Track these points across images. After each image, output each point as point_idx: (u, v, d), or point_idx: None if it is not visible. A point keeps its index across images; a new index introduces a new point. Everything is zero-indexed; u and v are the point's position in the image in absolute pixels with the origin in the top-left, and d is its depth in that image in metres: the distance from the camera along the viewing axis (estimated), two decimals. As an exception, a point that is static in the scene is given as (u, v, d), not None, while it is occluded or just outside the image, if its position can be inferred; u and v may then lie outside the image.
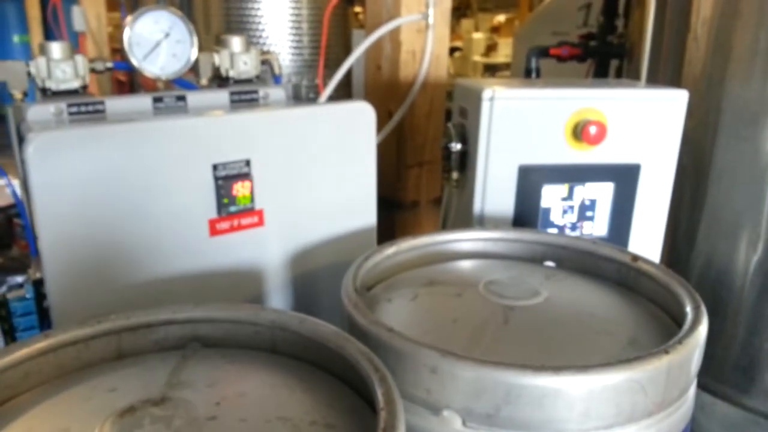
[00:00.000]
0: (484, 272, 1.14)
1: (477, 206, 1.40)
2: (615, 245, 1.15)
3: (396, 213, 2.04)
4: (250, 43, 1.38)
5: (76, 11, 2.93)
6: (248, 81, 1.34)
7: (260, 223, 1.15)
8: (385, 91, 1.97)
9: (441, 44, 1.94)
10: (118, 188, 1.01)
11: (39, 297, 1.09)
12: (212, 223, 1.10)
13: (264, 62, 1.38)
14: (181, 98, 1.24)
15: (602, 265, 1.14)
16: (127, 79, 3.42)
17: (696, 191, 1.58)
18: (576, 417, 0.78)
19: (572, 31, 2.47)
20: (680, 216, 1.62)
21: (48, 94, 1.16)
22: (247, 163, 1.11)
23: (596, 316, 1.01)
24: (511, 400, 0.78)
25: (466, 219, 1.44)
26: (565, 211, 1.40)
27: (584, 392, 0.78)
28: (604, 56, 2.12)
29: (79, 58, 1.17)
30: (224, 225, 1.11)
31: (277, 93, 1.35)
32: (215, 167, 1.08)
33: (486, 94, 1.33)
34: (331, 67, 1.94)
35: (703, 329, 0.90)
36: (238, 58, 1.31)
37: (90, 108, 1.15)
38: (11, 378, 0.80)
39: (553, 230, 1.41)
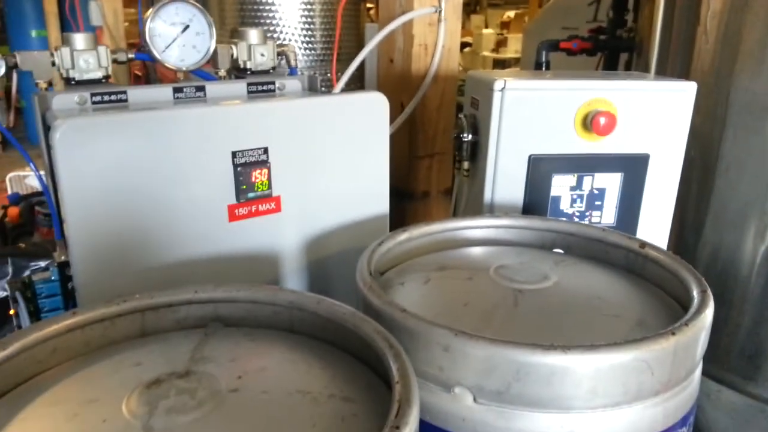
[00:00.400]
0: (494, 258, 1.17)
1: (487, 195, 1.43)
2: (623, 232, 1.17)
3: (407, 203, 2.07)
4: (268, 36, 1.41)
5: (93, 6, 2.97)
6: (265, 72, 1.37)
7: (277, 209, 1.18)
8: (397, 83, 2.00)
9: (452, 37, 1.97)
10: (141, 174, 1.05)
11: (64, 279, 1.13)
12: (231, 209, 1.13)
13: (280, 54, 1.41)
14: (201, 89, 1.27)
15: (610, 252, 1.17)
16: (143, 74, 3.47)
17: (704, 183, 1.60)
18: (584, 394, 0.81)
19: (582, 26, 2.48)
20: (688, 207, 1.64)
21: (72, 84, 1.20)
22: (265, 150, 1.14)
23: (604, 299, 1.04)
24: (520, 378, 0.81)
25: (476, 208, 1.47)
26: (574, 201, 1.43)
27: (592, 371, 0.80)
28: (614, 50, 2.14)
29: (102, 49, 1.21)
30: (243, 210, 1.14)
31: (293, 84, 1.38)
32: (234, 155, 1.11)
33: (497, 84, 1.36)
34: (343, 61, 1.97)
35: (709, 312, 0.92)
36: (255, 50, 1.34)
37: (113, 97, 1.19)
38: (40, 353, 0.84)
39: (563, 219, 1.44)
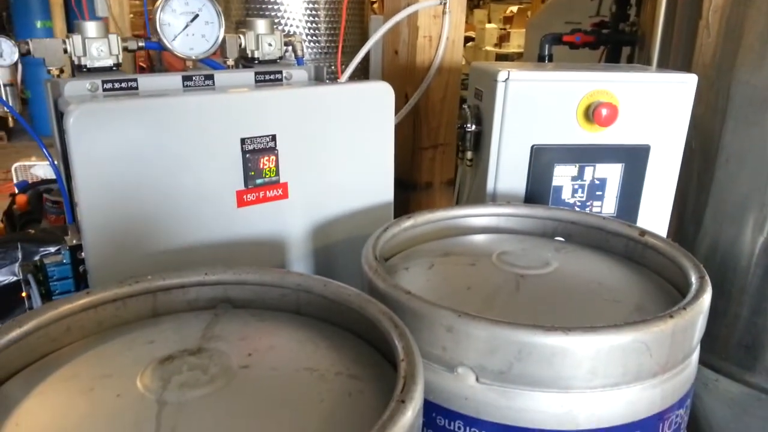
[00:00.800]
0: (497, 245, 1.19)
1: (490, 185, 1.45)
2: (623, 221, 1.20)
3: (410, 194, 2.09)
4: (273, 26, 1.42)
5: (98, -3, 2.98)
6: (272, 62, 1.39)
7: (284, 195, 1.21)
8: (401, 75, 2.01)
9: (457, 30, 1.98)
10: (152, 159, 1.07)
11: (75, 262, 1.15)
12: (240, 195, 1.15)
13: (287, 44, 1.43)
14: (209, 77, 1.29)
15: (611, 240, 1.19)
16: (148, 66, 3.48)
17: (704, 174, 1.62)
18: (584, 375, 0.84)
19: (585, 21, 2.50)
20: (687, 198, 1.66)
21: (83, 71, 1.22)
22: (273, 138, 1.17)
23: (604, 285, 1.06)
24: (522, 358, 0.83)
25: (479, 197, 1.49)
26: (575, 191, 1.45)
27: (592, 351, 0.83)
28: (616, 44, 2.16)
29: (113, 37, 1.22)
30: (251, 196, 1.17)
31: (300, 74, 1.40)
32: (243, 141, 1.14)
33: (501, 75, 1.38)
34: (348, 54, 1.99)
35: (707, 298, 0.94)
36: (263, 40, 1.36)
37: (124, 84, 1.21)
38: (54, 331, 0.86)
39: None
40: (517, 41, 7.05)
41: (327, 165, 1.26)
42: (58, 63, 1.21)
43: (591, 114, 1.40)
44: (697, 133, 1.59)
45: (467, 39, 7.24)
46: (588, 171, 1.45)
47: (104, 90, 1.20)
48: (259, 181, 1.17)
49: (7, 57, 1.15)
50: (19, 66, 1.23)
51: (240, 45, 1.36)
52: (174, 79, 1.26)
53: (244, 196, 1.16)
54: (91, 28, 1.21)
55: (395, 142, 1.34)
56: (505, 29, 7.87)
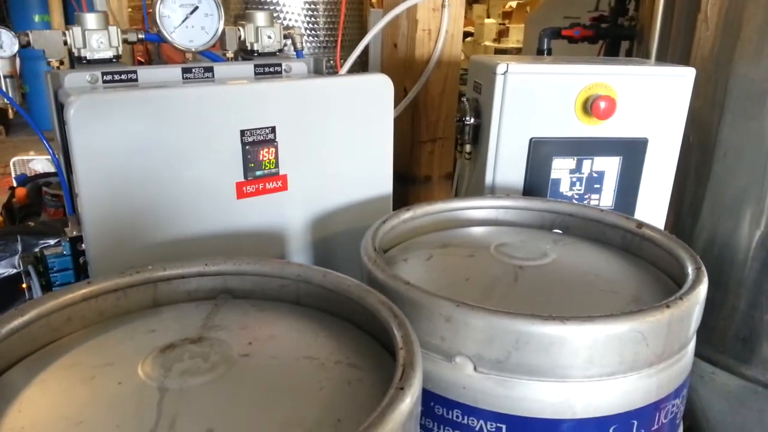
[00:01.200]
0: (495, 236, 1.20)
1: (489, 178, 1.46)
2: (621, 213, 1.20)
3: (409, 187, 2.10)
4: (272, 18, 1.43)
5: (97, -9, 2.98)
6: (272, 54, 1.39)
7: (284, 187, 1.21)
8: (400, 68, 2.02)
9: (456, 23, 1.99)
10: (152, 150, 1.07)
11: (75, 254, 1.16)
12: (239, 186, 1.16)
13: (286, 37, 1.44)
14: (209, 70, 1.30)
15: (608, 232, 1.20)
16: (146, 60, 3.48)
17: (701, 168, 1.63)
18: (581, 364, 0.84)
19: (584, 16, 2.50)
20: (685, 192, 1.66)
21: (83, 63, 1.22)
22: (273, 130, 1.17)
23: (601, 276, 1.07)
24: (520, 347, 0.84)
25: (478, 190, 1.50)
26: (573, 184, 1.46)
27: (589, 341, 0.84)
28: (615, 38, 2.16)
29: (113, 29, 1.23)
30: (250, 188, 1.17)
31: (299, 66, 1.40)
32: (243, 133, 1.14)
33: (500, 68, 1.38)
34: (346, 48, 1.99)
35: (703, 288, 0.95)
36: (262, 32, 1.37)
37: (123, 76, 1.21)
38: (56, 321, 0.87)
39: (562, 202, 1.47)
40: (516, 36, 7.05)
41: (326, 157, 1.26)
42: (58, 55, 1.21)
43: (589, 107, 1.40)
44: (695, 126, 1.59)
45: (466, 34, 7.23)
46: (586, 164, 1.45)
47: (104, 82, 1.20)
48: (258, 172, 1.17)
49: (7, 48, 1.15)
50: (17, 60, 1.23)
51: (239, 37, 1.36)
52: (174, 72, 1.27)
53: (244, 188, 1.17)
54: (91, 19, 1.22)
55: (394, 137, 1.35)
56: (504, 24, 7.87)
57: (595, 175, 1.46)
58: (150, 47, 3.33)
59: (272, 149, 1.17)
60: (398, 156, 1.54)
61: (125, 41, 1.26)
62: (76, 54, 1.22)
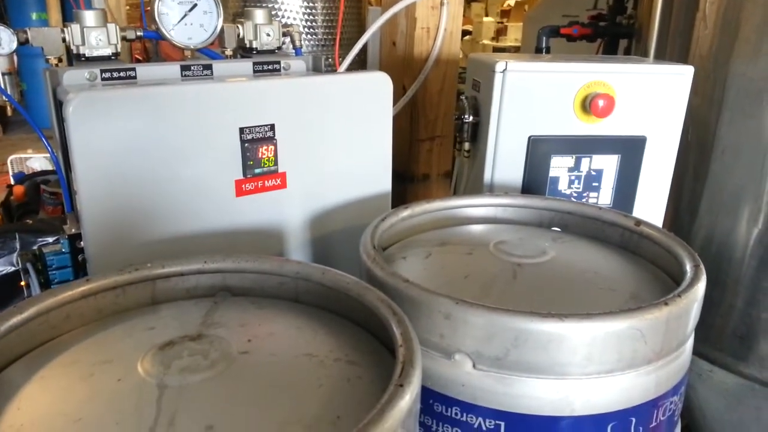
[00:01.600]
0: (494, 234, 1.20)
1: (487, 176, 1.46)
2: (619, 211, 1.20)
3: (408, 186, 2.10)
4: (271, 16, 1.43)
5: (94, -12, 2.97)
6: (271, 52, 1.39)
7: (283, 185, 1.21)
8: (399, 66, 2.02)
9: (454, 21, 1.99)
10: (150, 147, 1.07)
11: (74, 251, 1.16)
12: (238, 184, 1.16)
13: (285, 35, 1.44)
14: (208, 67, 1.30)
15: (607, 230, 1.20)
16: (144, 59, 3.48)
17: (699, 166, 1.63)
18: (579, 361, 0.85)
19: (582, 14, 2.50)
20: (683, 190, 1.67)
21: (81, 60, 1.22)
22: (272, 127, 1.17)
23: (600, 274, 1.07)
24: (519, 344, 0.84)
25: (477, 188, 1.50)
26: (572, 182, 1.46)
27: (588, 338, 0.84)
28: (614, 36, 2.16)
29: (111, 27, 1.23)
30: (249, 186, 1.17)
31: (298, 64, 1.40)
32: (242, 131, 1.14)
33: (499, 66, 1.38)
34: (345, 47, 1.99)
35: (701, 286, 0.95)
36: (261, 30, 1.37)
37: (122, 74, 1.21)
38: (54, 318, 0.87)
39: (561, 200, 1.47)
40: (514, 35, 7.05)
41: (325, 154, 1.26)
42: (57, 52, 1.21)
43: (588, 105, 1.41)
44: (694, 124, 1.59)
45: (464, 33, 7.23)
46: (585, 162, 1.46)
47: (103, 79, 1.20)
48: (257, 170, 1.17)
49: (5, 45, 1.15)
50: (15, 58, 1.23)
51: (238, 35, 1.36)
52: (172, 69, 1.27)
53: (243, 186, 1.17)
54: (89, 17, 1.21)
55: (393, 135, 1.35)
56: (502, 23, 7.87)
57: (593, 173, 1.47)
58: (148, 46, 3.33)
59: (271, 147, 1.17)
60: (397, 154, 1.54)
61: (124, 38, 1.26)
62: (74, 51, 1.21)
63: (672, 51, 1.76)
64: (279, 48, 1.42)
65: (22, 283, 1.20)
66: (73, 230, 1.14)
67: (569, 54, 2.13)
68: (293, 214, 1.25)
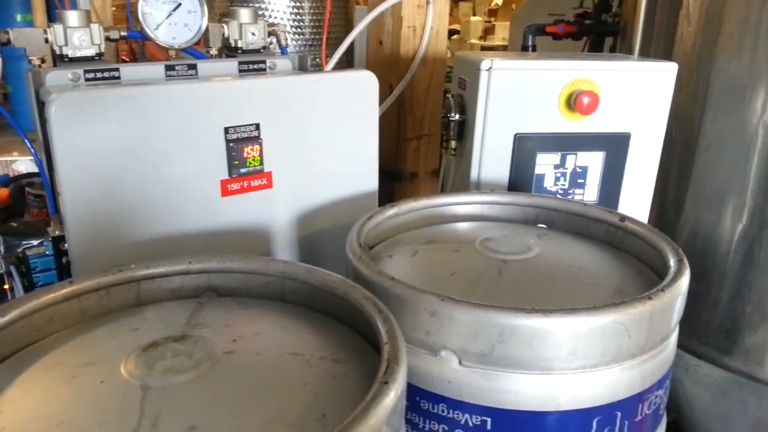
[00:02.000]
0: (480, 232, 1.20)
1: (474, 173, 1.46)
2: (604, 207, 1.21)
3: (396, 184, 2.10)
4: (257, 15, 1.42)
5: (80, -11, 2.95)
6: (256, 51, 1.39)
7: (269, 184, 1.21)
8: (386, 65, 2.02)
9: (441, 20, 1.99)
10: (134, 148, 1.07)
11: (58, 254, 1.15)
12: (224, 184, 1.16)
13: (271, 34, 1.43)
14: (192, 67, 1.29)
15: (592, 226, 1.21)
16: (130, 60, 3.45)
17: (684, 162, 1.64)
18: (564, 356, 0.85)
19: (568, 13, 2.51)
20: (668, 186, 1.68)
21: (65, 61, 1.21)
22: (257, 127, 1.17)
23: (585, 269, 1.08)
24: (504, 340, 0.84)
25: (463, 186, 1.50)
26: (557, 179, 1.47)
27: (572, 333, 0.84)
28: (599, 34, 2.17)
29: (95, 27, 1.22)
30: (235, 186, 1.17)
31: (283, 63, 1.40)
32: (227, 130, 1.14)
33: (484, 64, 1.38)
34: (332, 46, 1.99)
35: (685, 280, 0.96)
36: (246, 29, 1.36)
37: (106, 74, 1.20)
38: (38, 321, 0.86)
39: (547, 197, 1.47)
40: (502, 34, 7.06)
41: (311, 154, 1.26)
42: (40, 53, 1.20)
43: (573, 102, 1.41)
44: (678, 120, 1.61)
45: (452, 32, 7.24)
46: (570, 159, 1.46)
47: (86, 80, 1.19)
48: (243, 170, 1.17)
49: (-14, 46, 1.14)
50: (-1, 61, 1.22)
51: (223, 34, 1.36)
52: (157, 69, 1.26)
53: (228, 186, 1.16)
54: (72, 17, 1.20)
55: (380, 134, 1.35)
56: (490, 22, 7.88)
57: (579, 170, 1.47)
58: (135, 47, 3.31)
59: (257, 146, 1.17)
60: (385, 153, 1.55)
61: (108, 39, 1.25)
62: (57, 52, 1.20)
63: (656, 48, 1.77)
64: (265, 47, 1.41)
65: (6, 286, 1.19)
66: (57, 232, 1.13)
67: (555, 52, 2.14)
68: (280, 213, 1.25)
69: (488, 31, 7.47)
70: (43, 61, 1.22)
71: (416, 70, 1.97)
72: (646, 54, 1.81)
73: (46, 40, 1.19)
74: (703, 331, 1.64)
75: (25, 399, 0.74)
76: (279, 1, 2.01)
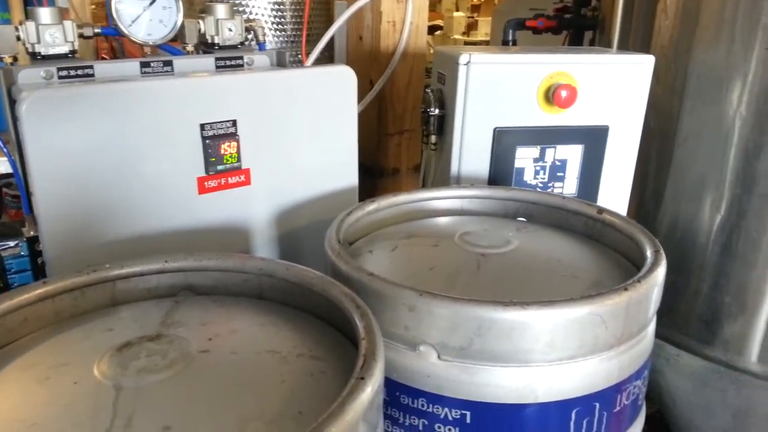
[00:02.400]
0: (459, 226, 1.20)
1: (454, 168, 1.46)
2: (582, 200, 1.22)
3: (377, 180, 2.10)
4: (235, 11, 1.41)
5: (57, -13, 2.91)
6: (233, 47, 1.37)
7: (247, 181, 1.20)
8: (366, 61, 2.01)
9: (420, 14, 1.99)
10: (109, 146, 1.05)
11: (33, 254, 1.13)
12: (201, 181, 1.14)
13: (248, 30, 1.42)
14: (168, 63, 1.28)
15: (570, 219, 1.21)
16: (111, 58, 3.41)
17: (662, 154, 1.65)
18: (542, 348, 0.85)
19: (549, 8, 2.52)
20: (647, 178, 1.69)
21: (38, 59, 1.19)
22: (234, 123, 1.16)
23: (563, 262, 1.08)
24: (482, 333, 0.85)
25: (444, 180, 1.50)
26: (537, 172, 1.47)
27: (549, 325, 0.85)
28: (578, 28, 2.18)
29: (68, 24, 1.20)
30: (212, 183, 1.16)
31: (261, 59, 1.39)
32: (203, 127, 1.12)
33: (462, 59, 1.38)
34: (313, 42, 1.98)
35: (661, 271, 0.96)
36: (223, 25, 1.35)
37: (80, 72, 1.18)
38: (11, 322, 0.85)
39: (527, 190, 1.48)
40: (485, 29, 7.08)
41: (290, 150, 1.25)
42: (11, 51, 1.18)
43: (551, 96, 1.42)
44: (656, 113, 1.62)
45: (435, 28, 7.25)
46: (549, 152, 1.47)
47: (60, 77, 1.17)
48: (220, 167, 1.16)
49: (-45, 45, 1.12)
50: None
51: (199, 30, 1.34)
52: (132, 66, 1.25)
53: (205, 183, 1.15)
54: (44, 14, 1.18)
55: (361, 129, 1.34)
56: (473, 17, 7.89)
57: (558, 163, 1.48)
58: (115, 45, 3.27)
59: (234, 143, 1.16)
60: (366, 149, 1.54)
61: (81, 36, 1.23)
62: (29, 50, 1.18)
63: (635, 41, 1.78)
64: (242, 43, 1.40)
65: (-19, 288, 1.17)
66: (32, 233, 1.12)
67: (535, 46, 2.15)
68: (258, 210, 1.24)
69: (471, 27, 7.49)
70: (15, 59, 1.19)
71: (396, 65, 1.97)
72: (625, 47, 1.82)
73: (18, 38, 1.17)
74: (683, 322, 1.65)
75: (-3, 401, 0.73)
76: (259, -2, 1.99)
